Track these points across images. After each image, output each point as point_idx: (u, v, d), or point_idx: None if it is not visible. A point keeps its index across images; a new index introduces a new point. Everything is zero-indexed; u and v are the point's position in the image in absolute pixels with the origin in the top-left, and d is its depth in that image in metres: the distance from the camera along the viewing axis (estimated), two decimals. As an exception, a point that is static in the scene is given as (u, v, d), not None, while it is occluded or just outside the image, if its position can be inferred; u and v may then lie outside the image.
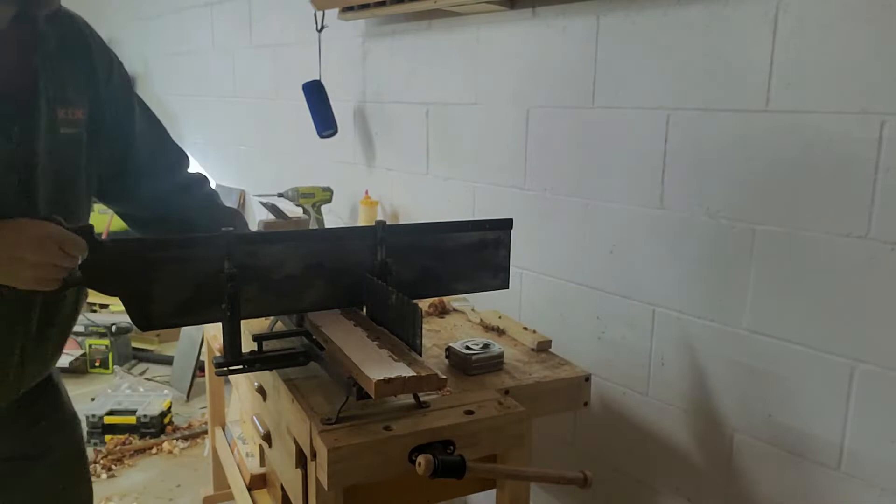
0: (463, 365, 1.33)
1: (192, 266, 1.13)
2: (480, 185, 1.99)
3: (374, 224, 1.28)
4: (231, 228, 1.16)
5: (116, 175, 1.26)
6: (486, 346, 1.36)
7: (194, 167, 1.41)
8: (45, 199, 1.07)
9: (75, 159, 1.11)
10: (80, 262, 1.04)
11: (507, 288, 1.42)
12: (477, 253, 1.37)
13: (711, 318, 1.45)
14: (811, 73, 1.25)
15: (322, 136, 2.42)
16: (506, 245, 1.40)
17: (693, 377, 1.51)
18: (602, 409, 1.71)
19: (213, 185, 1.45)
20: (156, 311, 1.12)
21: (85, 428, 2.78)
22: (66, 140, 1.09)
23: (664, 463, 1.59)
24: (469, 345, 1.36)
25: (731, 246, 1.40)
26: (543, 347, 1.47)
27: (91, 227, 1.05)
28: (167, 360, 3.52)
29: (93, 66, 1.15)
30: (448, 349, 1.37)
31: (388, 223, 1.29)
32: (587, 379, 1.36)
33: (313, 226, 2.39)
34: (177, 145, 1.37)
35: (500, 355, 1.36)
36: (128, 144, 1.24)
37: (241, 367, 1.19)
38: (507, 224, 1.40)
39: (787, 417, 1.35)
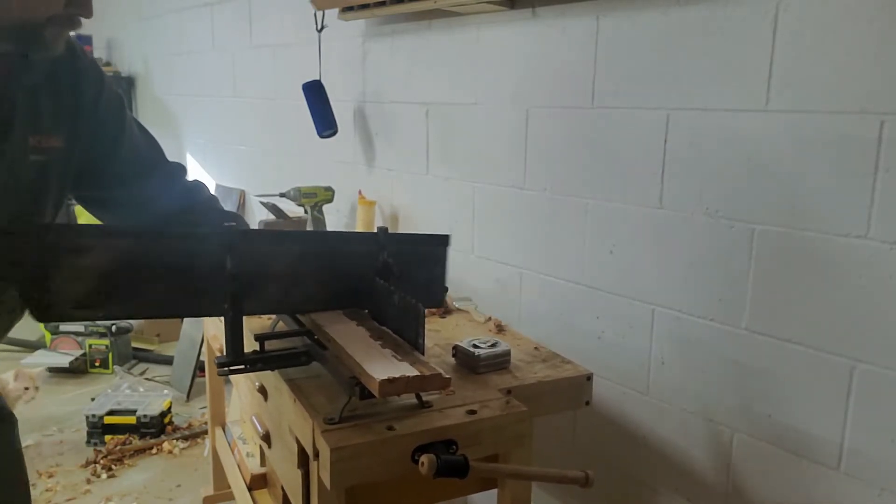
0: (471, 363, 1.33)
1: (91, 258, 1.07)
2: (480, 185, 1.99)
3: (372, 226, 1.29)
4: (234, 223, 1.16)
5: (110, 190, 1.26)
6: (492, 344, 1.36)
7: (194, 173, 1.41)
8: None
9: (39, 183, 1.10)
10: None
11: (440, 307, 1.40)
12: (412, 268, 1.33)
13: (711, 318, 1.46)
14: (811, 73, 1.25)
15: (322, 136, 2.42)
16: (442, 262, 1.38)
17: (693, 377, 1.51)
18: (602, 409, 1.71)
19: (212, 190, 1.46)
20: (56, 303, 1.05)
21: (85, 428, 2.80)
22: (34, 166, 1.07)
23: (664, 463, 1.59)
24: (476, 343, 1.36)
25: (730, 246, 1.40)
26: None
27: None
28: (167, 360, 3.52)
29: (80, 92, 1.13)
30: (455, 347, 1.38)
31: (387, 225, 1.30)
32: (589, 378, 1.37)
33: (310, 226, 2.40)
34: (172, 161, 1.36)
35: (507, 353, 1.37)
36: (120, 161, 1.23)
37: (243, 366, 1.19)
38: (444, 240, 1.38)
39: (787, 417, 1.35)
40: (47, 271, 1.04)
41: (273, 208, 2.39)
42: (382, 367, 1.05)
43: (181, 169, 1.39)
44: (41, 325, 3.60)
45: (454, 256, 1.41)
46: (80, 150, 1.15)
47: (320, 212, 2.42)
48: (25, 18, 0.95)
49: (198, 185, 1.41)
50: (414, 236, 1.39)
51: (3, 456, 1.25)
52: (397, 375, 1.02)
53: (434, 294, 1.41)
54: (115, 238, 1.08)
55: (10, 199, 1.06)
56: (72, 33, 1.04)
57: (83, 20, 1.00)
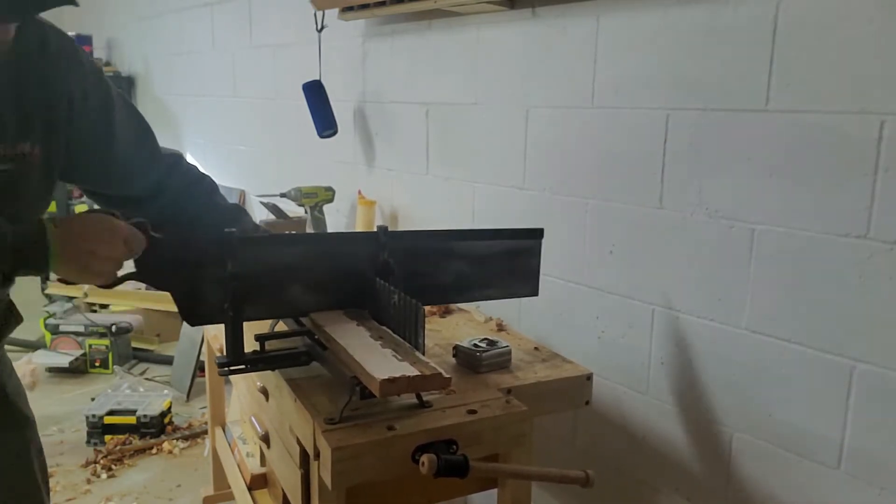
0: (472, 363, 1.33)
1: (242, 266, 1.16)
2: (480, 185, 1.99)
3: (372, 226, 1.30)
4: (233, 230, 1.16)
5: (109, 188, 1.25)
6: (493, 343, 1.36)
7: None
8: None
9: (9, 192, 1.07)
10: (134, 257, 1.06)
11: (537, 295, 1.46)
12: (509, 260, 1.42)
13: (711, 318, 1.46)
14: (811, 73, 1.25)
15: (322, 136, 2.42)
16: (537, 254, 1.44)
17: (693, 377, 1.51)
18: (602, 408, 1.71)
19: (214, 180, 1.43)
20: (205, 307, 1.16)
21: (85, 428, 2.80)
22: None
23: (664, 462, 1.59)
24: (477, 342, 1.36)
25: (730, 246, 1.40)
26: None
27: (147, 222, 1.08)
28: (167, 360, 3.52)
29: (61, 93, 1.10)
30: (455, 347, 1.38)
31: (388, 224, 1.31)
32: (589, 378, 1.37)
33: (309, 226, 2.40)
34: (168, 153, 1.35)
35: (508, 352, 1.37)
36: (113, 162, 1.22)
37: (243, 367, 1.19)
38: (538, 233, 1.44)
39: (787, 417, 1.35)
40: (201, 279, 1.12)
41: (273, 208, 2.39)
42: (383, 366, 1.05)
43: (178, 159, 1.36)
44: (41, 325, 3.60)
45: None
46: (72, 152, 1.13)
47: (321, 212, 2.43)
48: None
49: (199, 177, 1.38)
50: (510, 231, 1.44)
51: (17, 458, 1.24)
52: (398, 375, 1.02)
53: (529, 283, 1.45)
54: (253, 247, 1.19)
55: None
56: (71, 33, 1.02)
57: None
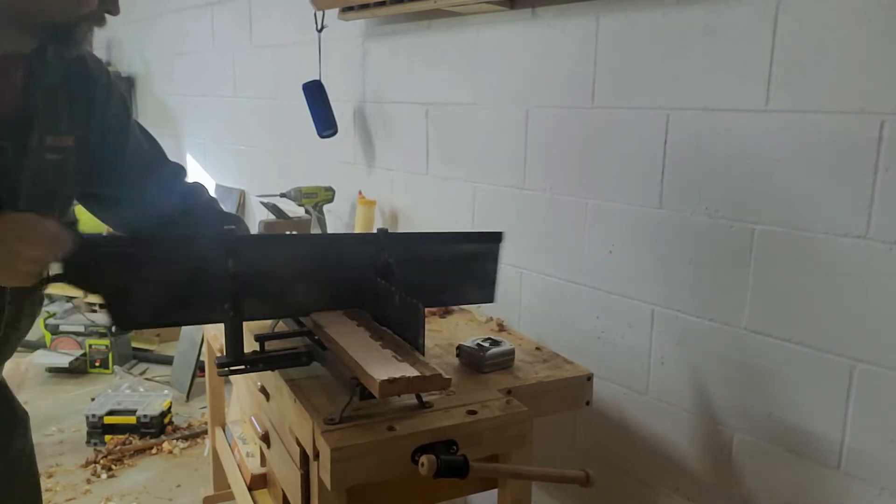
0: (476, 362, 1.33)
1: (180, 266, 1.12)
2: (480, 185, 1.99)
3: (371, 226, 1.29)
4: (233, 227, 1.16)
5: (112, 188, 1.27)
6: (496, 343, 1.37)
7: (194, 175, 1.41)
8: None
9: (55, 181, 1.11)
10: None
11: (493, 302, 1.42)
12: (465, 265, 1.37)
13: (711, 318, 1.46)
14: (811, 73, 1.25)
15: (322, 136, 2.42)
16: (494, 258, 1.40)
17: (693, 377, 1.51)
18: (602, 408, 1.71)
19: (212, 190, 1.46)
20: (136, 311, 1.10)
21: (85, 428, 2.80)
22: (49, 164, 1.08)
23: (664, 462, 1.59)
24: (480, 342, 1.36)
25: (730, 246, 1.40)
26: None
27: (76, 221, 1.05)
28: (167, 360, 3.52)
29: (92, 96, 1.16)
30: (459, 347, 1.38)
31: (387, 225, 1.30)
32: (589, 378, 1.37)
33: (314, 226, 2.40)
34: (173, 162, 1.38)
35: (511, 352, 1.37)
36: (124, 159, 1.25)
37: (243, 367, 1.19)
38: (496, 237, 1.40)
39: (787, 417, 1.35)
40: (132, 282, 1.08)
41: (273, 208, 2.39)
42: (383, 367, 1.05)
43: (181, 170, 1.39)
44: (41, 325, 3.60)
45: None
46: (98, 148, 1.16)
47: (321, 212, 2.43)
48: (63, 16, 0.96)
49: (198, 187, 1.41)
50: (467, 234, 1.42)
51: (20, 457, 1.25)
52: (398, 376, 1.02)
53: (485, 289, 1.41)
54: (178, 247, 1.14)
55: (35, 196, 1.07)
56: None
57: (108, 18, 1.01)
